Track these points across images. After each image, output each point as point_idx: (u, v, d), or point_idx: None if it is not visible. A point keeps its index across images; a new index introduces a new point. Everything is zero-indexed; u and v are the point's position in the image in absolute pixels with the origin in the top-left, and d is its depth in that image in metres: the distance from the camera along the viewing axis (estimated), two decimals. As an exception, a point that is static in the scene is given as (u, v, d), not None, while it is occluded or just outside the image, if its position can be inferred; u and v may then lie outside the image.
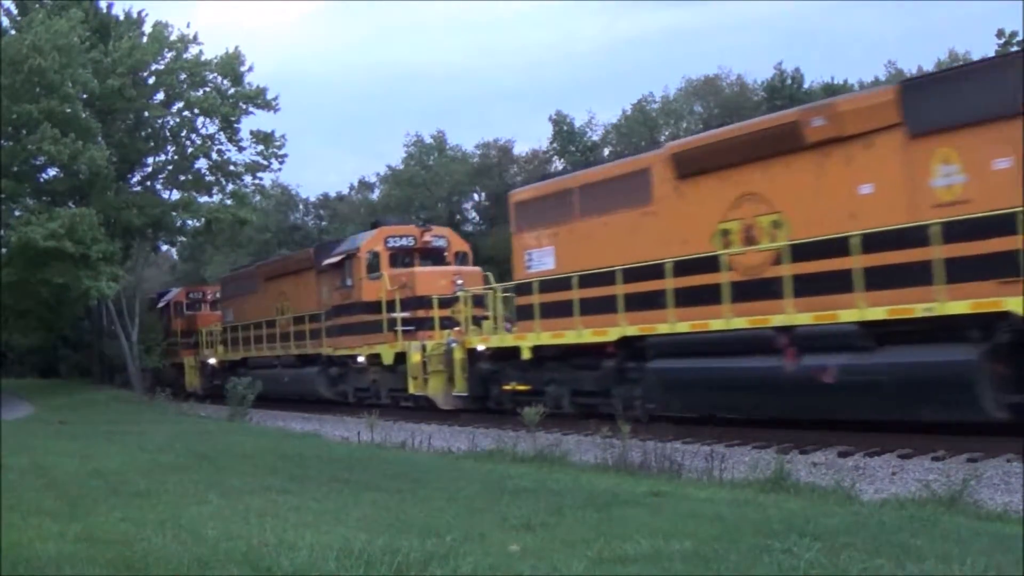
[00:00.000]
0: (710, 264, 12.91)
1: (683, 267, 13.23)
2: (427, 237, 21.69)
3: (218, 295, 33.34)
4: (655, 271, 13.55)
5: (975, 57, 40.45)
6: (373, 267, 21.23)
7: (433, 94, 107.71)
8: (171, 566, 5.03)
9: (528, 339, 15.92)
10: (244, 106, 33.60)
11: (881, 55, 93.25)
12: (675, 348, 13.32)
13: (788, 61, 64.56)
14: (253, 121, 37.26)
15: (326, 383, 23.26)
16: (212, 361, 30.53)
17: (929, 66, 47.66)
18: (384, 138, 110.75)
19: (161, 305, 36.47)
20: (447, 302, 19.65)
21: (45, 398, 32.87)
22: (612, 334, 14.19)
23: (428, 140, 57.07)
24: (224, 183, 34.88)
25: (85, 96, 30.39)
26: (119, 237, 33.20)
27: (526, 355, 15.90)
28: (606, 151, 48.94)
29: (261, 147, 34.54)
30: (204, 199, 34.62)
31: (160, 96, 34.08)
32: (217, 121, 33.73)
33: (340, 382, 22.93)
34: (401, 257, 21.54)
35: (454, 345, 18.10)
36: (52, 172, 31.87)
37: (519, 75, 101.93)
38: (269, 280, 27.56)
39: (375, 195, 60.91)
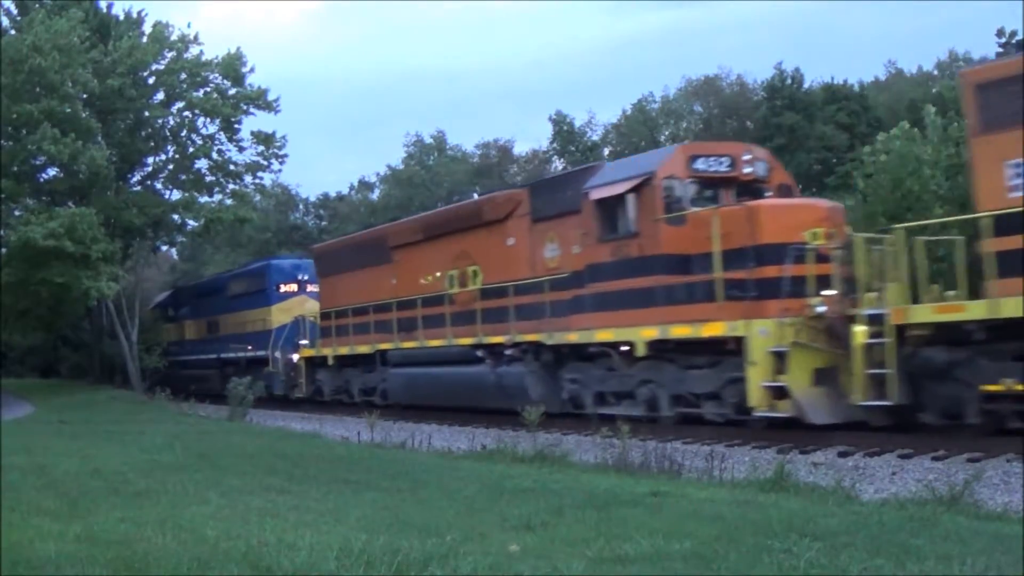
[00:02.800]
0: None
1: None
2: None
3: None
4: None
5: (975, 57, 40.45)
6: None
7: (433, 94, 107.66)
8: (171, 566, 5.03)
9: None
10: (245, 107, 33.62)
11: (881, 55, 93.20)
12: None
13: (788, 61, 64.39)
14: (254, 121, 37.21)
15: None
16: None
17: (929, 66, 47.81)
18: (384, 138, 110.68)
19: (601, 196, 14.72)
20: None
21: (45, 398, 32.84)
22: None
23: (428, 140, 57.18)
24: (224, 183, 34.90)
25: (85, 96, 30.40)
26: (119, 237, 33.20)
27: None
28: (606, 151, 48.98)
29: (262, 148, 34.59)
30: (204, 199, 34.65)
31: (160, 96, 34.10)
32: (218, 121, 33.75)
33: None
34: None
35: None
36: (52, 172, 31.90)
37: (519, 75, 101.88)
38: None
39: (375, 195, 60.97)
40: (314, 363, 24.17)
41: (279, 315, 27.53)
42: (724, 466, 10.22)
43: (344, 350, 22.27)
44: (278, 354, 26.34)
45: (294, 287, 28.38)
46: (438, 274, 19.04)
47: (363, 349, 21.45)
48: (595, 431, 13.21)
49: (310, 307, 26.00)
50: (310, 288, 27.02)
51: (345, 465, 10.46)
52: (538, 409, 13.32)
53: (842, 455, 11.08)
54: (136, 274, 37.65)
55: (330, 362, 22.94)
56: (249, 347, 28.67)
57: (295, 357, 25.36)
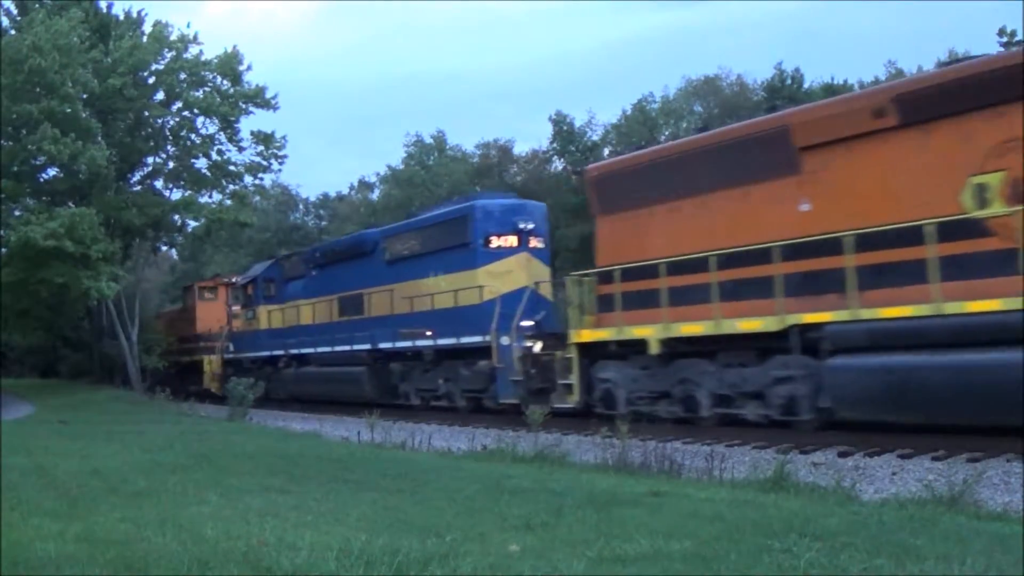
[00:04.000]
0: None
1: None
2: None
3: None
4: None
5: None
6: None
7: (433, 94, 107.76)
8: (171, 566, 5.03)
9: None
10: (243, 105, 33.66)
11: (881, 55, 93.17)
12: None
13: (788, 61, 64.67)
14: (253, 121, 37.30)
15: None
16: None
17: (929, 66, 47.68)
18: (384, 138, 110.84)
19: None
20: None
21: (45, 398, 32.85)
22: None
23: (428, 140, 57.16)
24: (224, 183, 34.92)
25: (85, 96, 30.42)
26: (119, 237, 33.24)
27: None
28: (606, 151, 48.96)
29: (261, 148, 34.61)
30: (204, 199, 34.68)
31: (160, 96, 34.13)
32: (217, 121, 33.78)
33: None
34: None
35: None
36: (52, 172, 31.94)
37: (519, 75, 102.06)
38: None
39: (375, 195, 61.01)
40: (596, 354, 14.95)
41: (490, 281, 18.07)
42: (724, 466, 10.21)
43: (694, 329, 13.16)
44: (506, 340, 17.08)
45: (512, 240, 18.46)
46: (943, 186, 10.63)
47: (752, 325, 12.35)
48: (595, 431, 13.19)
49: (535, 271, 18.25)
50: (533, 243, 18.61)
51: (345, 465, 10.45)
52: (542, 409, 13.02)
53: (842, 455, 11.08)
54: (136, 274, 37.66)
55: (653, 350, 13.76)
56: (428, 332, 19.41)
57: (537, 346, 16.47)
